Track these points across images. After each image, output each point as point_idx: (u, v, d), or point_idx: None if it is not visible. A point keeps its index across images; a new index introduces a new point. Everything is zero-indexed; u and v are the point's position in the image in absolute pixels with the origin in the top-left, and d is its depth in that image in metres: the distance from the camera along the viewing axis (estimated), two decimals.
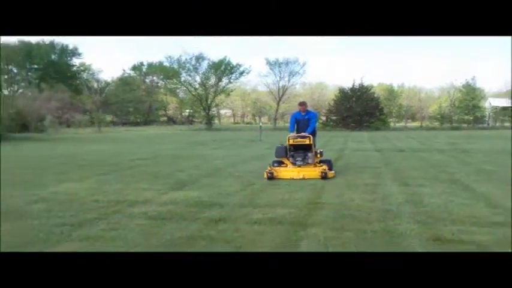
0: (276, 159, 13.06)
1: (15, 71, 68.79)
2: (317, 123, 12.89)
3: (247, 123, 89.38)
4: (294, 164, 12.52)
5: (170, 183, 11.47)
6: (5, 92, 53.42)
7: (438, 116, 72.35)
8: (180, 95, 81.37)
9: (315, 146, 12.74)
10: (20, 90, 64.78)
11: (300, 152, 12.54)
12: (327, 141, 30.39)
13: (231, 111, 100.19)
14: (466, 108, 67.82)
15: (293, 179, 11.70)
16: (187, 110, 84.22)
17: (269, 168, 12.06)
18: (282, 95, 75.39)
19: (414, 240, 5.98)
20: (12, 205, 8.46)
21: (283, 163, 12.86)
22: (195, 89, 74.78)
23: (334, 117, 65.70)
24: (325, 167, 12.09)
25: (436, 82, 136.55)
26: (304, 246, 5.64)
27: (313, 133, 12.86)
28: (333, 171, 12.47)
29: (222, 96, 77.23)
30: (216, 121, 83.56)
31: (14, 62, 66.79)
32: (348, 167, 15.37)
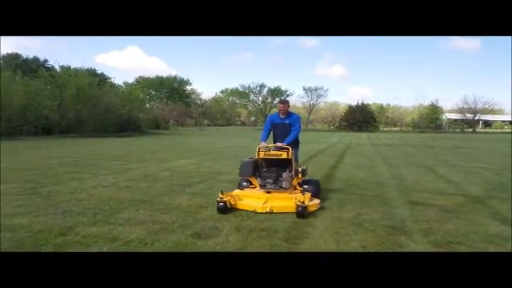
0: (241, 180, 5.92)
1: (153, 93, 71.29)
2: (301, 130, 5.94)
3: None
4: (262, 186, 5.45)
5: None
6: (147, 105, 55.33)
7: (411, 124, 71.85)
8: (248, 108, 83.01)
9: (296, 161, 5.69)
10: (155, 105, 66.90)
11: (271, 171, 5.50)
12: (340, 138, 29.72)
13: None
14: (430, 119, 66.59)
15: (256, 212, 4.85)
16: (253, 118, 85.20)
17: (220, 196, 4.96)
18: (312, 109, 76.77)
19: (397, 202, 5.76)
20: (150, 172, 8.71)
21: (252, 183, 5.76)
22: (258, 104, 78.53)
23: (344, 124, 65.57)
24: (306, 195, 5.06)
25: (411, 102, 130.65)
26: (325, 204, 5.51)
27: (295, 144, 5.76)
28: (317, 201, 5.23)
29: (274, 109, 78.08)
30: None
31: (152, 88, 69.38)
32: (353, 154, 14.98)
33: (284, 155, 5.39)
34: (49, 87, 30.55)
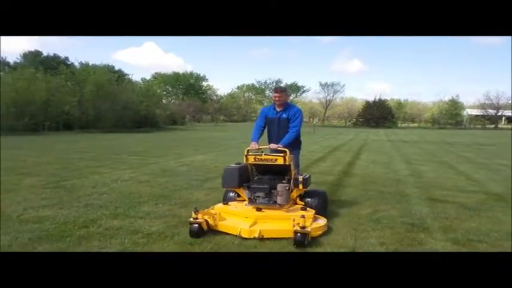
0: (227, 191, 4.69)
1: (170, 89, 72.03)
2: (301, 126, 4.65)
3: (305, 122, 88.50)
4: (251, 201, 4.20)
5: None
6: (164, 101, 55.99)
7: (430, 120, 70.72)
8: (264, 104, 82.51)
9: (297, 167, 4.58)
10: (172, 101, 67.60)
11: (263, 182, 4.28)
12: (356, 135, 29.41)
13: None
14: (450, 115, 65.05)
15: (240, 236, 3.64)
16: None
17: (194, 216, 3.73)
18: (328, 105, 76.45)
19: (416, 199, 5.70)
20: (168, 167, 8.85)
21: (239, 195, 4.47)
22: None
23: (361, 120, 64.65)
24: (308, 214, 3.85)
25: (430, 98, 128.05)
26: (342, 200, 5.50)
27: (295, 144, 4.62)
28: (323, 222, 3.93)
29: None
30: None
31: (169, 84, 70.08)
32: (370, 151, 14.83)
33: (280, 161, 4.11)
34: (69, 84, 31.32)
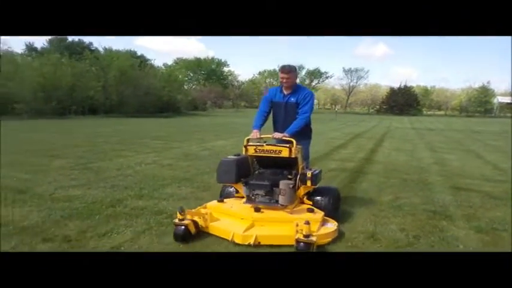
0: (225, 186, 4.08)
1: (191, 74, 72.50)
2: (312, 112, 4.00)
3: (327, 109, 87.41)
4: (250, 199, 3.61)
5: None
6: (185, 87, 56.43)
7: (458, 108, 68.71)
8: None
9: (305, 159, 3.92)
10: (193, 86, 68.07)
11: (264, 177, 3.67)
12: (379, 122, 28.90)
13: (317, 101, 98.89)
14: (479, 103, 62.82)
15: (233, 241, 3.13)
16: None
17: (179, 217, 3.18)
18: (351, 91, 75.28)
19: (439, 187, 5.62)
20: (190, 152, 9.02)
21: (237, 191, 3.86)
22: None
23: (384, 107, 63.30)
24: (316, 217, 3.32)
25: (459, 84, 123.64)
26: (365, 184, 5.50)
27: (304, 134, 3.94)
28: (333, 226, 3.33)
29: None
30: None
31: (190, 70, 70.51)
32: (393, 138, 14.58)
33: (284, 152, 3.54)
34: (94, 69, 32.01)
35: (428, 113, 70.21)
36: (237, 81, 77.22)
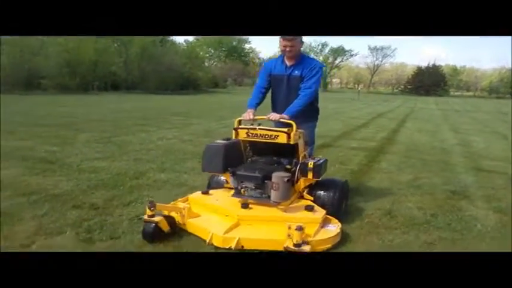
0: (212, 175, 3.47)
1: (212, 51, 72.18)
2: (319, 87, 3.28)
3: (350, 88, 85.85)
4: (238, 191, 2.96)
5: None
6: (206, 64, 56.38)
7: (487, 89, 66.14)
8: None
9: (309, 145, 3.32)
10: (214, 63, 67.89)
11: (255, 166, 3.00)
12: (403, 102, 28.24)
13: (339, 80, 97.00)
14: None
15: (212, 244, 2.54)
16: None
17: (149, 213, 2.62)
18: (376, 70, 73.59)
19: (461, 168, 5.56)
20: (210, 128, 9.17)
21: (227, 182, 3.20)
22: None
23: (410, 87, 61.58)
24: (315, 216, 2.75)
25: (491, 64, 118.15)
26: (384, 164, 5.49)
27: (308, 115, 3.26)
28: (335, 229, 2.71)
29: (335, 70, 75.94)
30: (329, 86, 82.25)
31: (212, 47, 70.14)
32: (417, 119, 14.29)
33: (282, 138, 2.92)
34: (115, 45, 32.38)
35: (456, 94, 67.91)
36: (258, 59, 76.43)
